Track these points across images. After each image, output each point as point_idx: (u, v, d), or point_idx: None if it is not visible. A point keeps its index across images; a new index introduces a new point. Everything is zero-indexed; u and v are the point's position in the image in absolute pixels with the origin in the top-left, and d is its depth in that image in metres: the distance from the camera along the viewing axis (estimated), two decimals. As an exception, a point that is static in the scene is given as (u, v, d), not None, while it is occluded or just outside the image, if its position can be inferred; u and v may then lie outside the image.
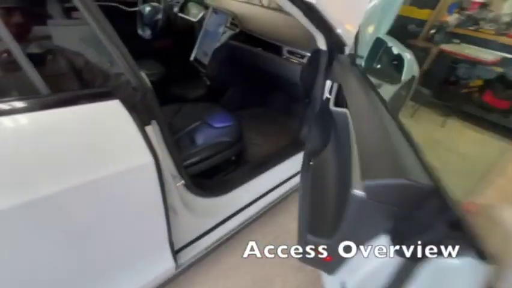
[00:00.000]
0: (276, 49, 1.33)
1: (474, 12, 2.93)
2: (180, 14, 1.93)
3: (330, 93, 1.35)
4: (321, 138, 1.09)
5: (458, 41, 3.06)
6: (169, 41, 2.19)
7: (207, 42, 1.69)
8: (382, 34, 1.44)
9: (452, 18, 3.00)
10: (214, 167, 1.30)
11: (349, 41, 1.28)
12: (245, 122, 1.94)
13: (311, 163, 0.98)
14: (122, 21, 2.09)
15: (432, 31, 3.13)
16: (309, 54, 1.25)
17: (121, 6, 1.93)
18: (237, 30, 1.50)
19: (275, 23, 1.49)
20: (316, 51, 1.26)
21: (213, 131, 1.43)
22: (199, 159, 1.25)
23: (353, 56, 1.06)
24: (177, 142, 1.36)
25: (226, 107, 1.94)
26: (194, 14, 1.90)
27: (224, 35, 1.58)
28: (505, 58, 2.77)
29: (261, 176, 1.38)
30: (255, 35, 1.40)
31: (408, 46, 1.78)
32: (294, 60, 1.29)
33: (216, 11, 1.67)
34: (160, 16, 1.62)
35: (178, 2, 2.01)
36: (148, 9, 1.71)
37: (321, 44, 1.24)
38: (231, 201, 1.29)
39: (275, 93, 2.01)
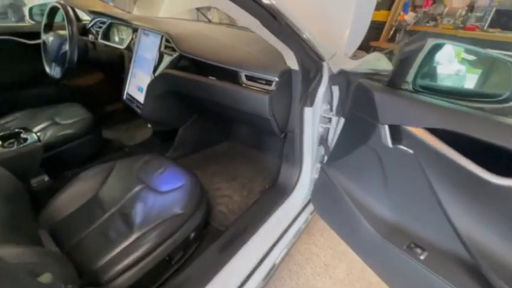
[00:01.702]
0: (230, 75, 0.96)
1: (430, 9, 2.88)
2: (103, 42, 1.50)
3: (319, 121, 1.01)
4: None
5: (418, 38, 2.99)
6: (95, 77, 1.73)
7: (142, 74, 1.27)
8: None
9: (410, 17, 2.92)
10: (161, 261, 0.86)
11: (327, 55, 0.95)
12: (206, 166, 1.54)
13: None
14: (26, 58, 1.61)
15: (392, 31, 3.04)
16: (276, 79, 0.88)
17: (18, 39, 1.44)
18: (175, 54, 1.10)
19: (224, 42, 1.12)
20: (286, 72, 0.91)
21: (159, 198, 1.00)
22: (137, 259, 0.80)
23: (396, 76, 0.68)
24: (103, 230, 0.90)
25: (179, 152, 1.52)
26: (121, 40, 1.48)
27: (162, 62, 1.18)
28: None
29: (239, 254, 0.96)
30: (200, 59, 1.01)
31: (373, 48, 1.54)
32: (257, 88, 0.92)
33: (146, 32, 1.27)
34: (66, 47, 1.18)
35: (100, 28, 1.58)
36: (51, 39, 1.26)
37: (292, 62, 0.89)
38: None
39: (240, 126, 1.63)
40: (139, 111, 1.28)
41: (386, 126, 0.67)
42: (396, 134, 0.66)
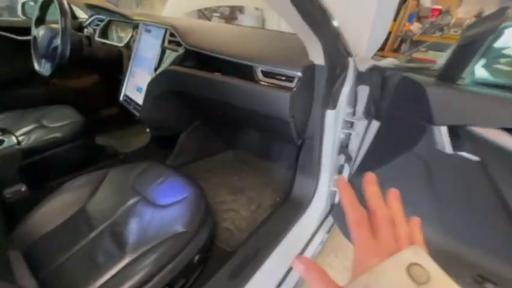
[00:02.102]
0: (244, 72, 0.84)
1: (437, 19, 2.84)
2: (100, 40, 1.38)
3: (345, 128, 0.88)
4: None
5: (424, 49, 2.94)
6: (90, 79, 1.60)
7: (141, 73, 1.15)
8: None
9: (416, 27, 2.89)
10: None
11: (354, 50, 0.83)
12: (208, 176, 1.40)
13: None
14: (16, 56, 1.48)
15: (398, 41, 3.00)
16: (299, 74, 0.76)
17: (7, 34, 1.32)
18: (181, 50, 0.98)
19: (236, 36, 1.01)
20: (310, 68, 0.79)
21: (158, 214, 0.85)
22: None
23: (452, 68, 0.55)
24: (89, 253, 0.74)
25: (179, 160, 1.37)
26: (120, 38, 1.37)
27: (165, 59, 1.05)
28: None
29: (252, 282, 0.80)
30: (209, 53, 0.89)
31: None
32: (275, 86, 0.80)
33: (148, 28, 1.16)
34: (58, 41, 1.05)
35: (97, 26, 1.46)
36: (41, 33, 1.13)
37: (316, 55, 0.77)
38: None
39: (248, 132, 1.49)
40: (137, 113, 1.14)
41: (444, 128, 0.54)
42: (457, 138, 0.54)
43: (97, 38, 1.40)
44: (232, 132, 1.50)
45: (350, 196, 0.31)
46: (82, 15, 1.60)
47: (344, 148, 1.05)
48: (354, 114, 0.96)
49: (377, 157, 0.76)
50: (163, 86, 1.05)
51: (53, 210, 0.85)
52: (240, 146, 1.53)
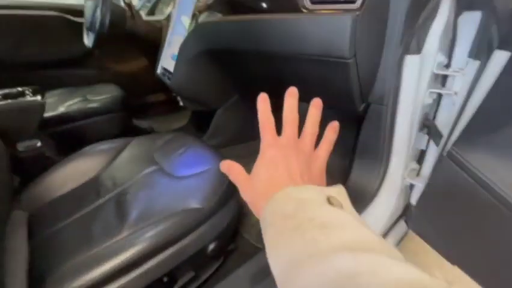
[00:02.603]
0: (287, 4, 0.63)
1: None
2: (147, 18, 1.36)
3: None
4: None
5: None
6: (139, 63, 1.61)
7: (177, 39, 1.05)
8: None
9: None
10: (156, 283, 0.52)
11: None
12: (247, 162, 1.17)
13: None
14: (73, 37, 1.57)
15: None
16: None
17: (68, 16, 1.40)
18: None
19: None
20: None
21: (172, 185, 0.68)
22: (116, 270, 0.48)
23: None
24: (87, 222, 0.62)
25: (215, 140, 1.22)
26: (163, 12, 1.32)
27: (199, 17, 0.92)
28: None
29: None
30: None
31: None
32: (329, 11, 0.57)
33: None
34: (98, 12, 1.03)
35: (147, 6, 1.46)
36: (89, 4, 1.14)
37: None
38: None
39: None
40: (168, 81, 1.03)
41: None
42: None
43: (145, 17, 1.39)
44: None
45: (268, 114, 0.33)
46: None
47: (430, 121, 0.73)
48: (449, 64, 0.65)
49: (502, 114, 0.45)
50: (196, 45, 0.91)
51: (67, 175, 0.76)
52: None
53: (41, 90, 0.85)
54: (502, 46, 0.47)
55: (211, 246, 0.61)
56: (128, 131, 1.27)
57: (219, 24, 0.80)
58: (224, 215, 0.63)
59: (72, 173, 0.77)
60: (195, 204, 0.61)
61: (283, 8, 0.63)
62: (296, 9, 0.61)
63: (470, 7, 0.56)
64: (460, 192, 0.52)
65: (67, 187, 0.74)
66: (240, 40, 0.76)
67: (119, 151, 0.84)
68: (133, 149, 0.85)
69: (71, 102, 1.18)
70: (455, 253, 0.62)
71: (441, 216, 0.58)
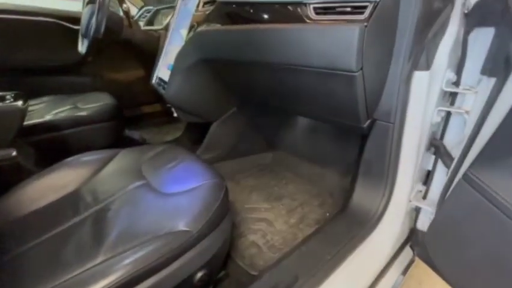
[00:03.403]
0: (291, 15, 0.60)
1: None
2: (145, 28, 1.34)
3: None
4: None
5: None
6: (135, 74, 1.58)
7: (174, 49, 1.01)
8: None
9: None
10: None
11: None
12: (241, 178, 1.13)
13: None
14: (69, 44, 1.53)
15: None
16: None
17: (63, 22, 1.37)
18: (213, 4, 0.81)
19: None
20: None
21: (158, 203, 0.62)
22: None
23: None
24: (59, 243, 0.55)
25: (209, 154, 1.16)
26: (162, 23, 1.30)
27: (198, 25, 0.89)
28: None
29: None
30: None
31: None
32: (335, 21, 0.54)
33: (185, 1, 1.04)
34: (94, 18, 0.99)
35: (146, 16, 1.45)
36: (85, 11, 1.11)
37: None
38: None
39: (293, 125, 1.22)
40: (162, 91, 0.99)
41: None
42: None
43: (143, 27, 1.37)
44: (273, 129, 1.24)
45: None
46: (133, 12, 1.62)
47: (438, 142, 0.69)
48: (458, 82, 0.61)
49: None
50: (193, 54, 0.87)
51: (43, 188, 0.69)
52: (281, 147, 1.25)
53: (24, 96, 0.80)
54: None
55: (199, 275, 0.54)
56: (119, 142, 1.21)
57: (219, 33, 0.77)
58: (215, 239, 0.57)
59: (50, 185, 0.70)
60: (182, 226, 0.54)
61: (286, 19, 0.60)
62: (300, 19, 0.58)
63: (482, 23, 0.53)
64: (479, 219, 0.47)
65: (42, 201, 0.66)
66: (241, 50, 0.73)
67: (105, 163, 0.78)
68: (120, 161, 0.78)
69: (59, 109, 1.12)
70: (470, 285, 0.56)
71: (456, 245, 0.52)
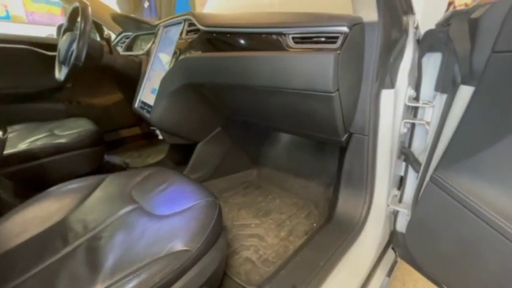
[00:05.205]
0: (271, 44, 0.67)
1: None
2: (125, 53, 1.36)
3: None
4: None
5: None
6: (112, 98, 1.57)
7: (157, 73, 1.04)
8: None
9: None
10: None
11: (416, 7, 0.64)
12: (229, 196, 1.15)
13: None
14: (43, 71, 1.50)
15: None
16: (345, 30, 0.57)
17: (37, 49, 1.35)
18: (197, 35, 0.86)
19: (260, 11, 0.88)
20: (358, 25, 0.59)
21: (153, 226, 0.62)
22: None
23: None
24: (52, 276, 0.53)
25: (195, 174, 1.17)
26: (143, 49, 1.33)
27: (182, 52, 0.94)
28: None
29: None
30: (227, 29, 0.75)
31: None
32: (313, 49, 0.61)
33: (168, 27, 1.09)
34: (74, 46, 1.00)
35: (124, 42, 1.47)
36: (63, 38, 1.11)
37: (367, 9, 0.58)
38: None
39: (276, 142, 1.28)
40: (147, 115, 1.00)
41: None
42: None
43: (122, 52, 1.38)
44: (257, 145, 1.29)
45: None
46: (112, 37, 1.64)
47: (406, 149, 0.78)
48: (417, 98, 0.71)
49: (475, 140, 0.49)
50: (178, 79, 0.91)
51: (26, 220, 0.66)
52: (266, 163, 1.30)
53: (1, 125, 0.77)
54: (465, 82, 0.53)
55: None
56: (101, 168, 1.18)
57: (204, 60, 0.82)
58: (213, 256, 0.58)
59: (33, 217, 0.68)
60: (181, 246, 0.55)
61: (267, 47, 0.67)
62: (280, 48, 0.65)
63: (431, 49, 0.64)
64: (447, 215, 0.54)
65: (26, 234, 0.64)
66: (225, 75, 0.78)
67: (91, 190, 0.76)
68: (107, 187, 0.78)
69: (34, 137, 1.08)
70: (448, 279, 0.62)
71: (432, 241, 0.59)
